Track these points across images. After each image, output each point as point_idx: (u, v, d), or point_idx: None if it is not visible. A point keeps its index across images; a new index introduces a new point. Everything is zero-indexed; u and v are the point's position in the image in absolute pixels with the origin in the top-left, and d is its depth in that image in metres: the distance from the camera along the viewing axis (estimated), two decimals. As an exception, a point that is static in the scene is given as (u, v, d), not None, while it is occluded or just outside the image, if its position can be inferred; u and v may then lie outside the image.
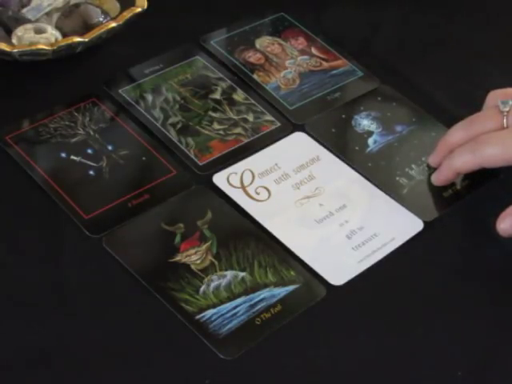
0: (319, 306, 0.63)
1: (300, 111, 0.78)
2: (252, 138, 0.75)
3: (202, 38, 0.84)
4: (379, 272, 0.66)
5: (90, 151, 0.72)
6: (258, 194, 0.71)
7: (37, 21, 0.80)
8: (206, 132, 0.75)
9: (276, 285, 0.64)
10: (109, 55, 0.81)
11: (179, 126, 0.75)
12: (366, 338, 0.62)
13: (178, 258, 0.65)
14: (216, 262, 0.65)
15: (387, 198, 0.71)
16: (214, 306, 0.62)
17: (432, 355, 0.61)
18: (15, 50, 0.74)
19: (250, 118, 0.77)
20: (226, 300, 0.62)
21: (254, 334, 0.61)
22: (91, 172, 0.70)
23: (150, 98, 0.77)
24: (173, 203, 0.69)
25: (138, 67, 0.80)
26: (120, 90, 0.77)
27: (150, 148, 0.73)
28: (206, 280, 0.64)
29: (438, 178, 0.72)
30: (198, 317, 0.61)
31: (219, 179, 0.71)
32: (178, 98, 0.78)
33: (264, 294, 0.63)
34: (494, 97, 0.72)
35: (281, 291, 0.64)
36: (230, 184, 0.71)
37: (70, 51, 0.76)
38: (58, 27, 0.79)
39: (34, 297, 0.62)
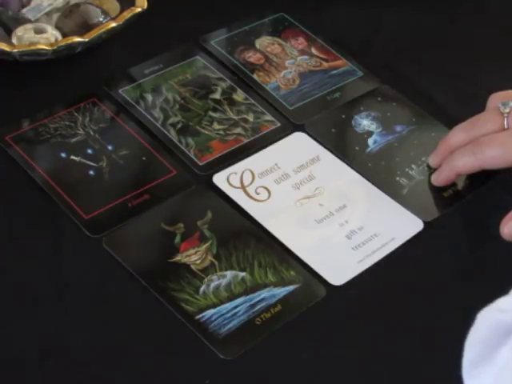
0: (319, 306, 0.63)
1: (300, 111, 0.78)
2: (252, 138, 0.75)
3: (202, 38, 0.84)
4: (379, 272, 0.66)
5: (90, 151, 0.72)
6: (257, 194, 0.71)
7: (37, 21, 0.80)
8: (206, 132, 0.75)
9: (276, 285, 0.64)
10: (109, 55, 0.81)
11: (179, 125, 0.75)
12: (366, 338, 0.62)
13: (178, 258, 0.65)
14: (216, 262, 0.65)
15: (387, 197, 0.71)
16: (213, 306, 0.62)
17: (432, 355, 0.61)
18: (15, 50, 0.74)
19: (250, 118, 0.77)
20: (226, 300, 0.62)
21: (254, 333, 0.61)
22: (91, 172, 0.70)
23: (149, 98, 0.77)
24: (173, 203, 0.69)
25: (138, 67, 0.80)
26: (120, 90, 0.77)
27: (149, 148, 0.73)
28: (206, 280, 0.64)
29: (438, 179, 0.72)
30: (197, 317, 0.61)
31: (219, 179, 0.71)
32: (178, 98, 0.78)
33: (264, 294, 0.63)
34: (496, 99, 0.72)
35: (281, 291, 0.64)
36: (230, 184, 0.71)
37: (70, 51, 0.76)
38: (58, 27, 0.79)
39: (34, 297, 0.62)
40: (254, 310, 0.62)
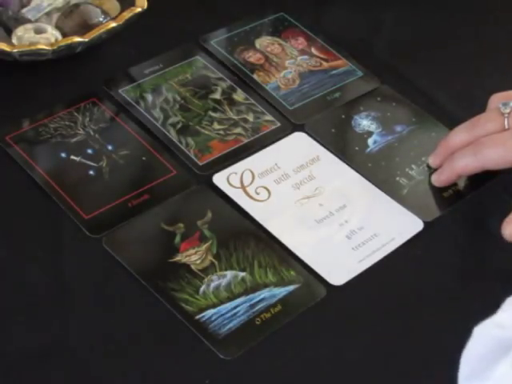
0: (319, 306, 0.63)
1: (300, 111, 0.78)
2: (252, 138, 0.75)
3: (202, 38, 0.84)
4: (379, 272, 0.66)
5: (90, 151, 0.72)
6: (257, 193, 0.71)
7: (37, 21, 0.80)
8: (206, 132, 0.75)
9: (276, 285, 0.64)
10: (109, 55, 0.81)
11: (179, 125, 0.75)
12: (366, 338, 0.62)
13: (178, 257, 0.65)
14: (216, 262, 0.65)
15: (387, 197, 0.71)
16: (213, 306, 0.62)
17: (432, 355, 0.61)
18: (15, 50, 0.74)
19: (250, 118, 0.77)
20: (226, 300, 0.62)
21: (253, 333, 0.61)
22: (91, 172, 0.70)
23: (149, 98, 0.77)
24: (173, 203, 0.69)
25: (138, 67, 0.80)
26: (120, 90, 0.77)
27: (150, 148, 0.73)
28: (206, 280, 0.64)
29: (439, 180, 0.72)
30: (197, 317, 0.61)
31: (219, 179, 0.71)
32: (178, 98, 0.78)
33: (264, 294, 0.63)
34: (496, 99, 0.72)
35: (281, 291, 0.64)
36: (230, 184, 0.71)
37: (70, 51, 0.76)
38: (58, 27, 0.79)
39: (34, 297, 0.62)
40: (254, 309, 0.62)
